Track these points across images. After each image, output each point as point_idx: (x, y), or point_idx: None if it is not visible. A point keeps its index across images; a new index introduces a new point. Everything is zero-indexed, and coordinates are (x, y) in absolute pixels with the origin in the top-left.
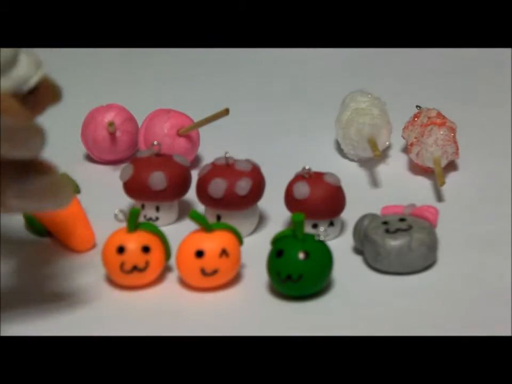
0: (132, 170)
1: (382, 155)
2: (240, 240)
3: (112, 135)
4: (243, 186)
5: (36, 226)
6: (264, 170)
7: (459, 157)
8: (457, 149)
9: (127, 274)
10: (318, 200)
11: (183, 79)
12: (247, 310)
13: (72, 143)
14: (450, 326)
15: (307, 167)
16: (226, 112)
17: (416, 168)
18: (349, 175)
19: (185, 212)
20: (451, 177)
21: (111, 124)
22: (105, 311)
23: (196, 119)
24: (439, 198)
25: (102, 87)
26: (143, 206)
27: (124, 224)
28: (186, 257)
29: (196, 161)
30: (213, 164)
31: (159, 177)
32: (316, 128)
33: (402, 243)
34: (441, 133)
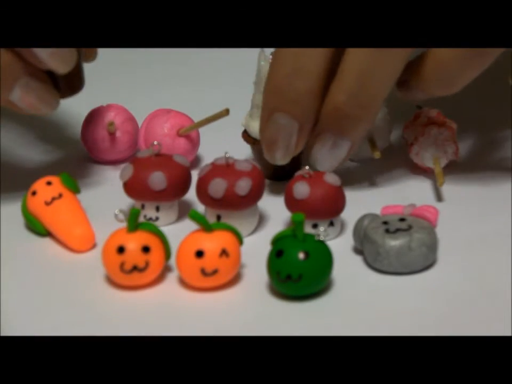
0: (132, 170)
1: (382, 155)
2: (240, 240)
3: (112, 135)
4: (243, 186)
5: (36, 226)
6: None
7: (459, 157)
8: (457, 149)
9: (127, 274)
10: (318, 200)
11: (183, 79)
12: (247, 310)
13: (72, 143)
14: (450, 326)
15: (307, 167)
16: (226, 112)
17: (416, 168)
18: (349, 175)
19: (185, 211)
20: (451, 177)
21: (111, 123)
22: (105, 311)
23: (196, 119)
24: (439, 198)
25: (102, 87)
26: (143, 206)
27: (123, 224)
28: (186, 257)
29: (196, 161)
30: (213, 164)
31: (159, 177)
32: None
33: (402, 243)
34: (441, 133)
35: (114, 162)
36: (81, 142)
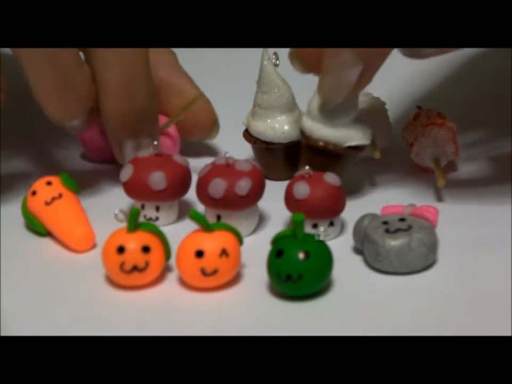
0: (131, 170)
1: (382, 155)
2: (240, 240)
3: None
4: (243, 186)
5: (36, 226)
6: None
7: (459, 157)
8: (457, 149)
9: (127, 274)
10: (318, 200)
11: None
12: (247, 310)
13: (72, 144)
14: (450, 326)
15: (307, 167)
16: (199, 97)
17: (416, 168)
18: (349, 175)
19: (185, 212)
20: (451, 177)
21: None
22: (105, 311)
23: None
24: (439, 198)
25: None
26: (143, 206)
27: (124, 224)
28: (186, 257)
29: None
30: (213, 164)
31: (159, 177)
32: None
33: (402, 243)
34: (441, 133)
35: (112, 161)
36: (79, 141)
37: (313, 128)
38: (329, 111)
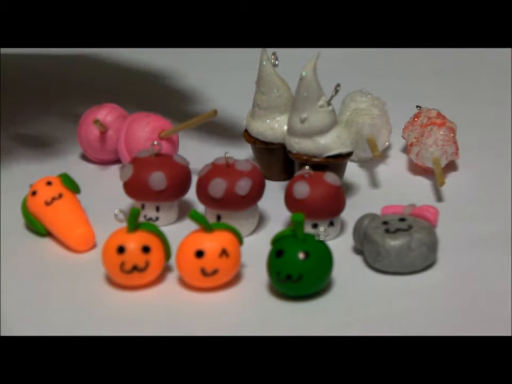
0: (131, 170)
1: (381, 155)
2: (240, 240)
3: (104, 134)
4: (243, 186)
5: (36, 226)
6: None
7: (459, 157)
8: (457, 149)
9: (127, 274)
10: (318, 200)
11: (183, 79)
12: (247, 310)
13: (72, 144)
14: (450, 326)
15: (307, 167)
16: (214, 113)
17: (416, 168)
18: (349, 175)
19: (185, 212)
20: (451, 177)
21: (96, 121)
22: (105, 311)
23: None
24: (439, 198)
25: (100, 88)
26: (143, 206)
27: (124, 224)
28: (186, 257)
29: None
30: (213, 164)
31: (159, 177)
32: None
33: (402, 243)
34: (441, 133)
35: (111, 162)
36: (78, 142)
37: (292, 143)
38: (305, 123)
